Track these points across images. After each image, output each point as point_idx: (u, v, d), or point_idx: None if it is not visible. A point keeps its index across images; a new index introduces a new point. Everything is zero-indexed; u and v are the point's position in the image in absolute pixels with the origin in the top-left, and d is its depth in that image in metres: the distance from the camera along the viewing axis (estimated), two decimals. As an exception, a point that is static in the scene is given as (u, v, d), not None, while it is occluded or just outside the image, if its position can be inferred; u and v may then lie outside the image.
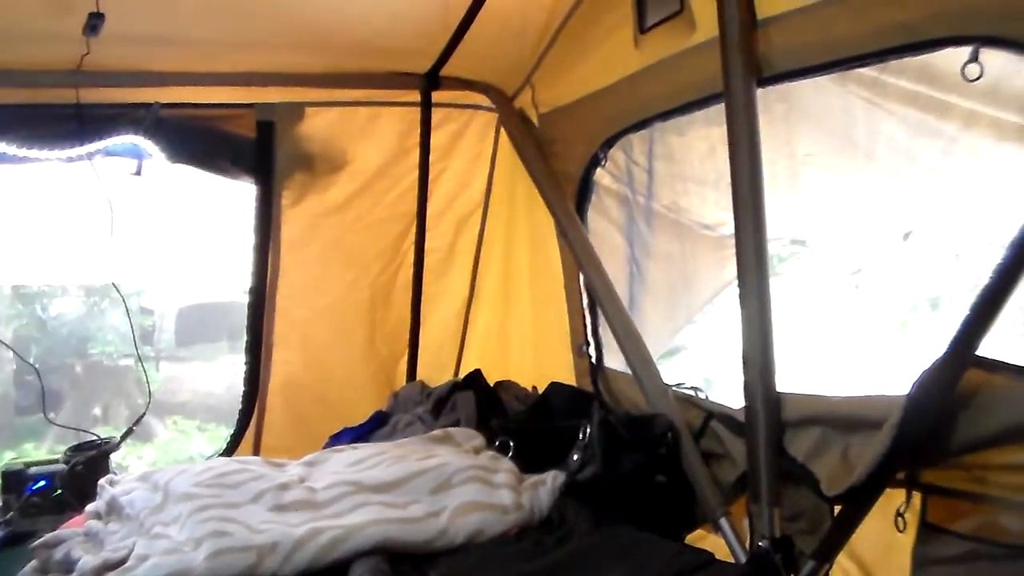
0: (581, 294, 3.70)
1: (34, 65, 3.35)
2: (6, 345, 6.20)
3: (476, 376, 3.94)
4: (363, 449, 3.37)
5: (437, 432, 3.51)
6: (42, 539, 2.92)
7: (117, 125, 3.50)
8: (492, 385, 3.92)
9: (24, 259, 4.59)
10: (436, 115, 4.07)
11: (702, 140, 3.25)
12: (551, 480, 3.01)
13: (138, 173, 3.66)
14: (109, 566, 2.60)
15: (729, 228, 3.17)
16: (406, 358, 4.43)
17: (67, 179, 3.68)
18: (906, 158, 2.77)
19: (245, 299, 4.08)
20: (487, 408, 3.70)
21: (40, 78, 3.38)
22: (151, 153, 3.58)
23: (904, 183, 2.86)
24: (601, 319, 3.60)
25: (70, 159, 3.50)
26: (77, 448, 3.68)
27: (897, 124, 2.66)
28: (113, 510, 3.02)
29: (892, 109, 2.62)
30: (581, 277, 3.65)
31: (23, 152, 3.40)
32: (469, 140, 4.18)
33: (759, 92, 2.61)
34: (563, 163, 3.69)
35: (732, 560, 2.69)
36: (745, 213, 2.60)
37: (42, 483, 3.47)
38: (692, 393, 3.15)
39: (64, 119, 3.43)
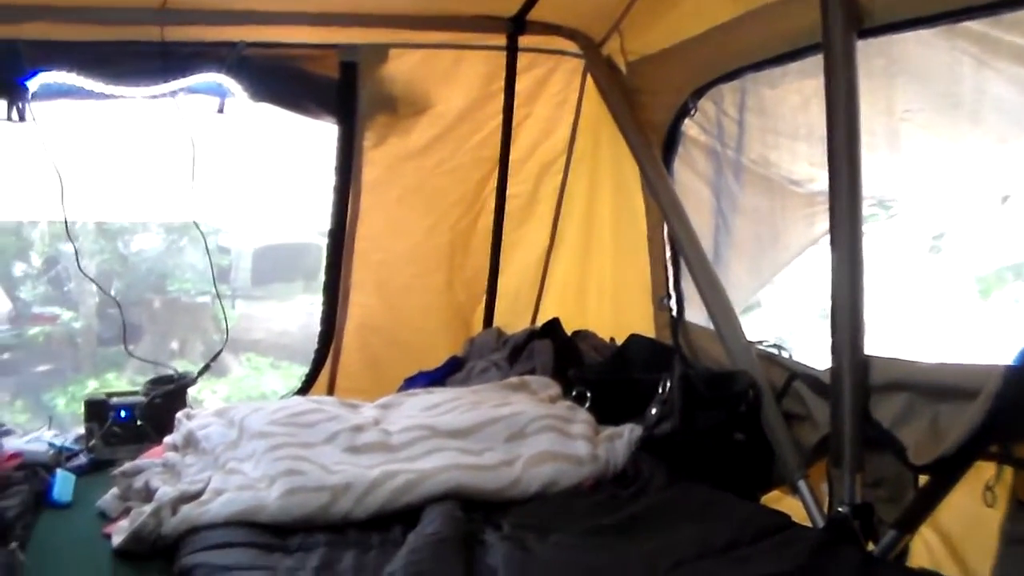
0: (664, 246, 3.65)
1: (120, 2, 3.35)
2: (90, 279, 6.27)
3: (554, 325, 3.93)
4: (438, 394, 3.38)
5: (513, 380, 3.51)
6: (122, 468, 2.99)
7: (201, 63, 3.50)
8: (570, 334, 3.91)
9: (108, 196, 4.63)
10: (521, 60, 4.00)
11: (795, 93, 3.15)
12: (628, 433, 3.00)
13: (221, 111, 3.67)
14: (186, 498, 2.65)
15: (818, 185, 3.11)
16: (483, 304, 4.42)
17: (151, 116, 3.69)
18: (1014, 121, 2.65)
19: (321, 240, 4.08)
20: (564, 357, 3.69)
21: (126, 15, 3.37)
22: (234, 92, 3.58)
23: (1010, 147, 2.74)
24: (684, 272, 3.55)
25: (154, 96, 3.52)
26: (156, 382, 3.73)
27: (1007, 84, 2.53)
28: (190, 443, 3.08)
29: (1002, 68, 2.48)
30: (665, 228, 3.59)
31: (109, 89, 3.42)
32: (554, 86, 4.10)
33: (859, 44, 2.52)
34: (650, 112, 3.62)
35: (809, 524, 2.65)
36: (840, 169, 2.52)
37: (123, 413, 3.52)
38: (775, 351, 3.10)
39: (149, 56, 3.44)
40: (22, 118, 3.37)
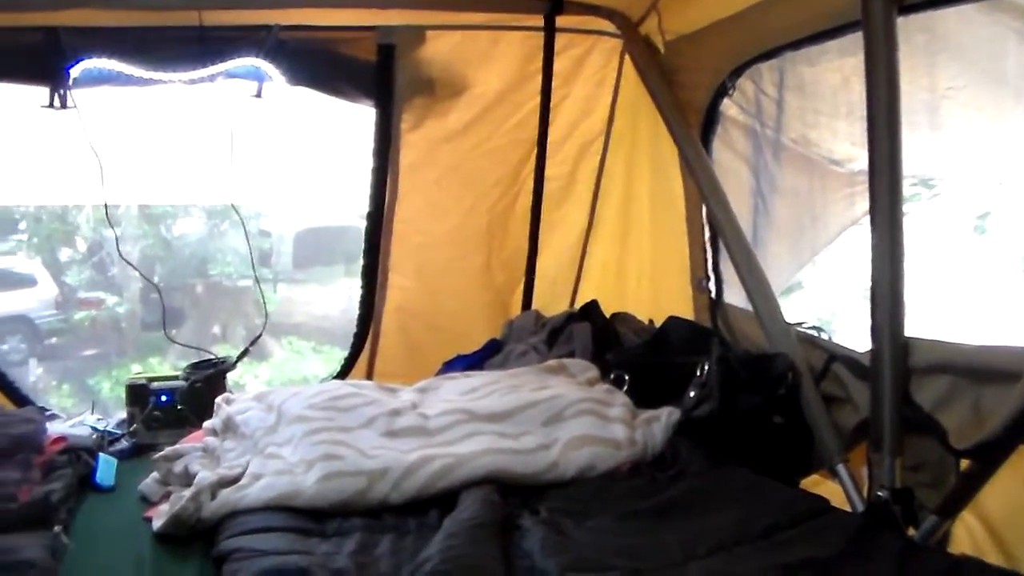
0: (703, 227, 3.62)
1: (159, -12, 3.37)
2: (131, 266, 6.36)
3: (592, 307, 3.92)
4: (476, 377, 3.38)
5: (551, 363, 3.51)
6: (163, 452, 3.03)
7: (238, 47, 3.52)
8: (608, 317, 3.90)
9: (150, 180, 4.68)
10: (559, 40, 3.97)
11: (835, 71, 3.11)
12: (666, 416, 2.99)
13: (258, 95, 3.68)
14: (225, 482, 2.68)
15: (859, 164, 3.07)
16: (522, 287, 4.41)
17: (190, 101, 3.71)
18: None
19: (362, 223, 4.09)
20: (603, 340, 3.68)
21: (165, 1, 3.40)
22: (271, 76, 3.60)
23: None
24: (723, 253, 3.52)
25: (192, 81, 3.54)
26: (196, 366, 3.76)
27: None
28: (229, 428, 3.10)
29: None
30: (704, 209, 3.56)
31: (148, 74, 3.45)
32: (592, 67, 4.07)
33: (899, 21, 2.48)
34: (688, 92, 3.58)
35: (849, 509, 2.62)
36: (881, 148, 2.48)
37: (164, 398, 3.55)
38: (815, 333, 3.07)
39: (187, 41, 3.46)
40: (64, 105, 3.41)
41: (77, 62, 3.35)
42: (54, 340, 9.58)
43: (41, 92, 3.41)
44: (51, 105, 3.41)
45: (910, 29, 2.56)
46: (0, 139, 3.93)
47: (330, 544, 2.38)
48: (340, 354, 4.34)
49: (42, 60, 3.35)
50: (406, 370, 3.95)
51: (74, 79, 3.39)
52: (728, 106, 3.50)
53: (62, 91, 3.40)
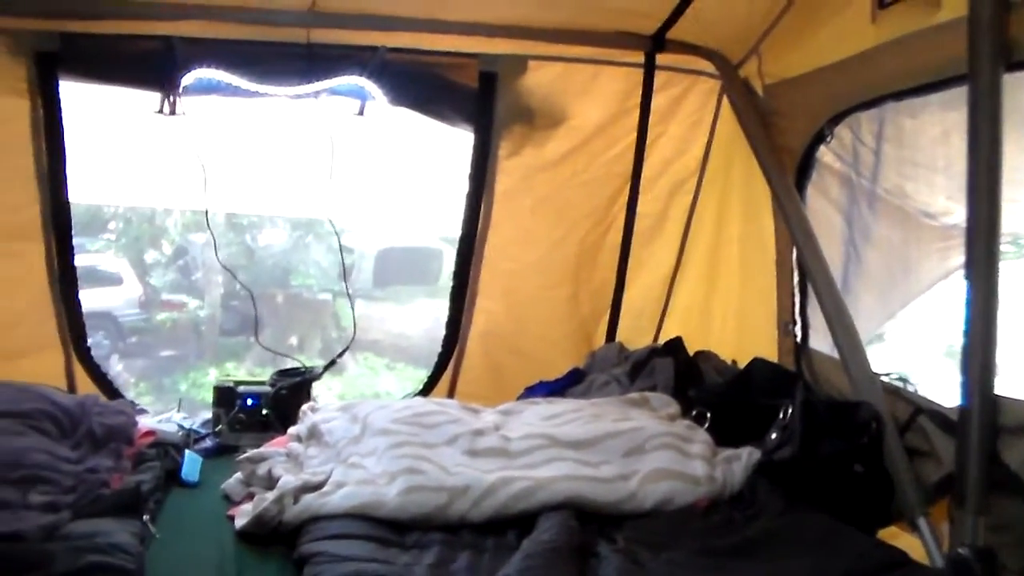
0: (793, 271, 3.61)
1: (271, 4, 3.48)
2: (225, 268, 6.47)
3: (676, 343, 3.92)
4: (559, 404, 3.40)
5: (634, 395, 3.52)
6: (247, 454, 3.10)
7: (344, 66, 3.62)
8: (692, 354, 3.89)
9: (241, 189, 4.78)
10: (658, 78, 4.00)
11: (936, 124, 3.10)
12: (746, 456, 2.99)
13: (360, 113, 3.76)
14: (308, 488, 2.74)
15: (953, 218, 3.06)
16: (607, 319, 4.43)
17: (292, 115, 3.80)
18: None
19: (442, 245, 4.15)
20: (685, 376, 3.68)
21: (276, 17, 3.51)
22: (374, 95, 3.68)
23: None
24: (810, 298, 3.51)
25: (297, 96, 3.64)
26: (283, 373, 3.85)
27: None
28: (313, 436, 3.16)
29: None
30: (794, 254, 3.56)
31: (255, 87, 3.57)
32: (690, 106, 4.10)
33: (1005, 77, 2.47)
34: (785, 137, 3.59)
35: (928, 563, 2.59)
36: (980, 204, 2.47)
37: (250, 401, 3.64)
38: (901, 384, 3.05)
39: (294, 57, 3.58)
40: (173, 111, 3.52)
41: (189, 71, 3.47)
42: (135, 339, 9.73)
43: (152, 98, 3.54)
44: (161, 111, 3.53)
45: (1016, 86, 2.56)
46: (100, 140, 4.04)
47: (409, 556, 2.43)
48: (414, 373, 4.42)
49: (157, 67, 3.48)
50: (488, 392, 3.99)
51: (184, 87, 3.51)
52: (824, 153, 3.50)
53: (173, 98, 3.52)
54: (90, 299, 8.62)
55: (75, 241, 3.70)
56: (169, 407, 3.97)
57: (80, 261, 3.76)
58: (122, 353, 9.49)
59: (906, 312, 3.67)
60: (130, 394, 7.52)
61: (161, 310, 9.82)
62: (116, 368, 9.05)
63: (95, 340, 8.96)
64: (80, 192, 3.69)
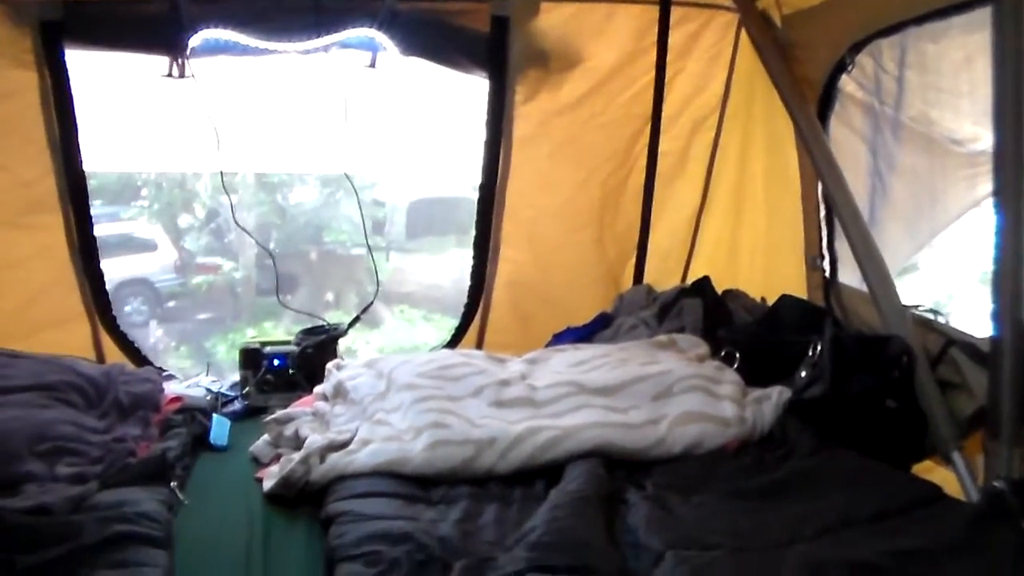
0: (818, 205, 3.56)
1: (276, -42, 3.44)
2: (247, 232, 6.49)
3: (704, 283, 3.88)
4: (586, 350, 3.38)
5: (661, 337, 3.49)
6: (274, 415, 3.11)
7: (352, 18, 3.56)
8: (720, 293, 3.85)
9: (266, 149, 4.77)
10: (674, 14, 3.92)
11: (959, 48, 3.03)
12: (776, 396, 2.95)
13: (372, 66, 3.72)
14: (334, 447, 2.74)
15: (981, 144, 2.98)
16: (633, 261, 4.39)
17: (304, 71, 3.77)
18: None
19: (474, 195, 4.11)
20: (713, 316, 3.64)
21: (281, -28, 3.47)
22: (385, 46, 3.64)
23: None
24: (838, 232, 3.46)
25: (307, 51, 3.60)
26: (308, 332, 3.84)
27: None
28: (339, 393, 3.16)
29: None
30: (819, 187, 3.50)
31: (264, 44, 3.52)
32: (707, 41, 4.02)
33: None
34: (806, 68, 3.52)
35: (963, 498, 2.56)
36: (1007, 128, 2.40)
37: (276, 362, 3.63)
38: (931, 316, 3.01)
39: (302, 12, 3.52)
40: (182, 74, 3.49)
41: (195, 32, 3.42)
42: (173, 303, 9.83)
43: (161, 62, 3.51)
44: (170, 74, 3.50)
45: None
46: (124, 108, 4.03)
47: (435, 511, 2.42)
48: (450, 323, 4.38)
49: (162, 30, 3.43)
50: (516, 341, 3.97)
51: (192, 49, 3.47)
52: (846, 82, 3.43)
53: (181, 61, 3.49)
54: (126, 266, 8.74)
55: (108, 210, 3.73)
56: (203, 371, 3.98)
57: (114, 229, 3.80)
58: (160, 318, 9.60)
59: (940, 240, 3.62)
60: (170, 358, 7.63)
61: (196, 273, 9.90)
62: (156, 333, 9.16)
63: (134, 307, 9.10)
64: (107, 161, 3.69)
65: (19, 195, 3.54)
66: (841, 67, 3.37)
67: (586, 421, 2.78)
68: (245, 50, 3.51)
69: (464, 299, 4.30)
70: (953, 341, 2.81)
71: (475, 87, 3.92)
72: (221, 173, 3.87)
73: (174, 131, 4.32)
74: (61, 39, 3.38)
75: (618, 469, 2.65)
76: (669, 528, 2.24)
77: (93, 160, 3.64)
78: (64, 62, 3.42)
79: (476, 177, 4.04)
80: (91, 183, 3.66)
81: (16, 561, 2.03)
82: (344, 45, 3.64)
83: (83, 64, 3.47)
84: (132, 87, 3.86)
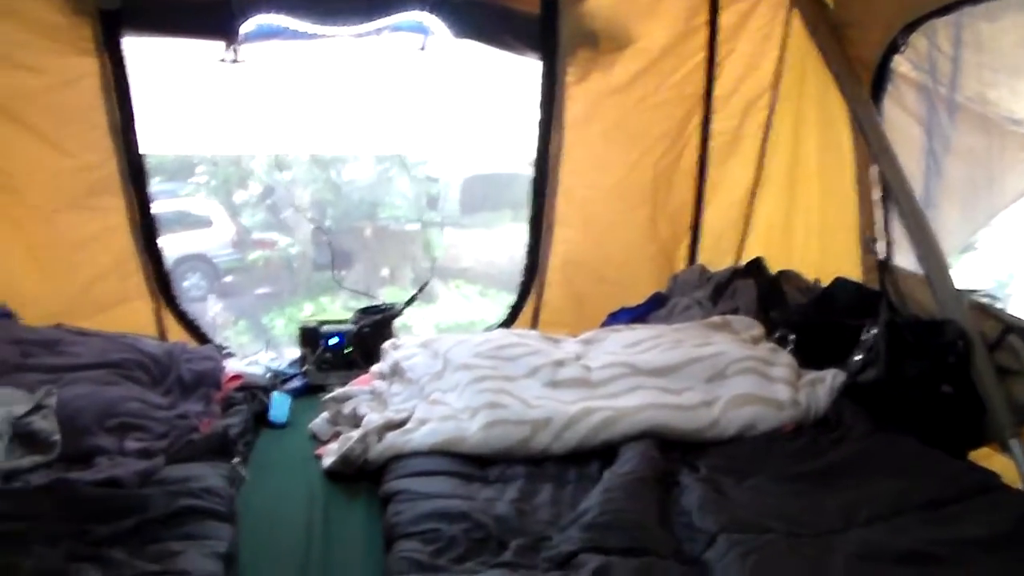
0: (873, 186, 3.52)
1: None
2: (302, 213, 6.53)
3: (758, 264, 3.89)
4: (640, 331, 3.40)
5: (716, 319, 3.50)
6: (332, 393, 3.19)
7: (403, 2, 3.60)
8: (774, 274, 3.85)
9: (320, 130, 4.81)
10: (724, -6, 3.94)
11: (1017, 27, 2.99)
12: (830, 379, 2.95)
13: (423, 49, 3.74)
14: (391, 425, 2.79)
15: (1042, 125, 2.94)
16: (687, 241, 4.39)
17: (357, 54, 3.80)
18: None
19: (527, 171, 4.13)
20: (768, 298, 3.64)
21: (333, -43, 3.50)
22: (436, 29, 3.67)
23: None
24: (893, 214, 3.43)
25: (359, 35, 3.64)
26: (365, 311, 3.89)
27: None
28: (396, 373, 3.21)
29: None
30: (874, 169, 3.47)
31: (315, 29, 3.57)
32: (758, 21, 4.00)
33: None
34: (859, 48, 3.48)
35: (1020, 486, 2.51)
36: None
37: (334, 341, 3.70)
38: (989, 301, 2.97)
39: (354, -4, 3.56)
40: (236, 59, 3.54)
41: (248, 17, 3.48)
42: (230, 279, 9.89)
43: (216, 47, 3.57)
44: (224, 59, 3.56)
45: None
46: (180, 91, 4.09)
47: (492, 490, 2.46)
48: (507, 298, 4.40)
49: (216, 17, 3.48)
50: (570, 320, 4.01)
51: (246, 34, 3.52)
52: (900, 63, 3.38)
53: (235, 46, 3.54)
54: (184, 242, 8.82)
55: (166, 187, 3.77)
56: (262, 346, 4.04)
57: (172, 206, 3.86)
58: (219, 293, 9.66)
59: (1001, 221, 3.57)
60: (228, 333, 7.71)
61: (253, 249, 9.95)
62: (215, 308, 9.24)
63: (192, 282, 9.19)
64: (164, 144, 3.75)
65: (83, 179, 3.62)
66: (894, 47, 3.33)
67: (640, 402, 2.80)
68: (297, 34, 3.56)
69: (519, 274, 4.32)
70: (1011, 327, 2.77)
71: (528, 68, 3.93)
72: (276, 155, 3.92)
73: (230, 114, 4.38)
74: (119, 27, 3.45)
75: (672, 450, 2.67)
76: (722, 511, 2.26)
77: (151, 143, 3.71)
78: (122, 49, 3.49)
79: (530, 154, 4.06)
80: (148, 162, 3.73)
81: (89, 531, 2.12)
82: (396, 28, 3.66)
83: (141, 50, 3.54)
84: (188, 72, 3.91)
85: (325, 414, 3.13)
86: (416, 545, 2.13)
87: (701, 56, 4.03)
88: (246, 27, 3.49)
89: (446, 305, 9.14)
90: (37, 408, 2.66)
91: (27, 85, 3.46)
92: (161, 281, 3.89)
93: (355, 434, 2.77)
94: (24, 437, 2.56)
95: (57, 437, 2.59)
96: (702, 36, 3.99)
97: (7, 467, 2.42)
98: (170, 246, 4.01)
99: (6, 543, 2.04)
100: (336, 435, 2.96)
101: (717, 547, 2.09)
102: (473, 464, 2.61)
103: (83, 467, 2.51)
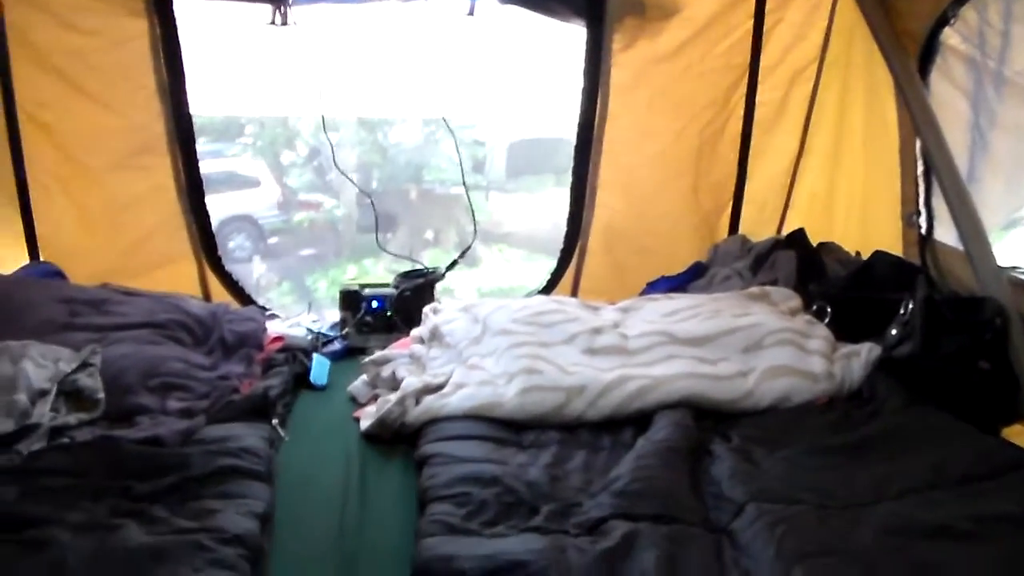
0: (916, 160, 3.50)
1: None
2: (344, 175, 6.55)
3: (799, 235, 3.87)
4: (678, 300, 3.40)
5: (754, 289, 3.49)
6: (371, 357, 3.22)
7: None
8: (815, 246, 3.84)
9: (367, 93, 4.83)
10: (772, -37, 3.90)
11: (1069, 1, 2.95)
12: (866, 352, 2.95)
13: (471, 13, 3.75)
14: (429, 389, 2.83)
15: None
16: (729, 211, 4.38)
17: (405, 18, 3.81)
18: None
19: (573, 136, 4.13)
20: (807, 269, 3.63)
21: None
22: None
23: None
24: (936, 188, 3.40)
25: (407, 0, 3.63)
26: (406, 275, 3.91)
27: None
28: (435, 337, 3.23)
29: None
30: (918, 142, 3.44)
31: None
32: (806, -9, 3.97)
33: None
34: (907, 20, 3.43)
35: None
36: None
37: (375, 304, 3.73)
38: (1029, 278, 2.95)
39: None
40: (284, 22, 3.57)
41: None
42: (275, 240, 9.95)
43: (265, 10, 3.60)
44: (273, 22, 3.58)
45: None
46: (229, 53, 4.12)
47: (526, 455, 2.48)
48: (550, 264, 4.41)
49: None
50: (610, 288, 4.02)
51: (293, -2, 3.54)
52: (948, 35, 3.34)
53: (283, 9, 3.56)
54: (231, 203, 8.88)
55: (213, 147, 3.81)
56: (304, 308, 4.08)
57: (219, 166, 3.90)
58: (263, 254, 9.73)
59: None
60: (272, 294, 7.78)
61: (299, 210, 10.00)
62: (259, 269, 9.31)
63: (237, 243, 9.26)
64: (213, 105, 3.78)
65: (131, 138, 3.68)
66: (943, 20, 3.29)
67: (676, 371, 2.81)
68: (346, -2, 3.57)
69: (561, 240, 4.34)
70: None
71: (574, 34, 3.92)
72: (322, 118, 3.95)
73: (277, 77, 4.41)
74: (171, -10, 3.49)
75: (705, 420, 2.68)
76: (753, 480, 2.28)
77: (199, 104, 3.76)
78: (173, 11, 3.54)
79: (576, 119, 4.06)
80: (196, 122, 3.77)
81: (131, 487, 2.18)
82: (444, -7, 3.67)
83: (191, 13, 3.58)
84: (237, 35, 3.95)
85: (364, 376, 3.16)
86: (448, 508, 2.16)
87: (748, 25, 4.00)
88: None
89: (489, 269, 9.16)
90: (83, 366, 2.73)
91: (79, 45, 3.51)
92: (207, 242, 3.94)
93: (393, 397, 2.80)
94: (70, 394, 2.63)
95: (101, 395, 2.66)
96: (750, 5, 3.96)
97: (54, 423, 2.49)
98: (216, 207, 4.06)
99: (53, 497, 2.10)
100: (374, 398, 2.99)
101: (745, 516, 2.10)
102: (508, 429, 2.63)
103: (126, 425, 2.58)
